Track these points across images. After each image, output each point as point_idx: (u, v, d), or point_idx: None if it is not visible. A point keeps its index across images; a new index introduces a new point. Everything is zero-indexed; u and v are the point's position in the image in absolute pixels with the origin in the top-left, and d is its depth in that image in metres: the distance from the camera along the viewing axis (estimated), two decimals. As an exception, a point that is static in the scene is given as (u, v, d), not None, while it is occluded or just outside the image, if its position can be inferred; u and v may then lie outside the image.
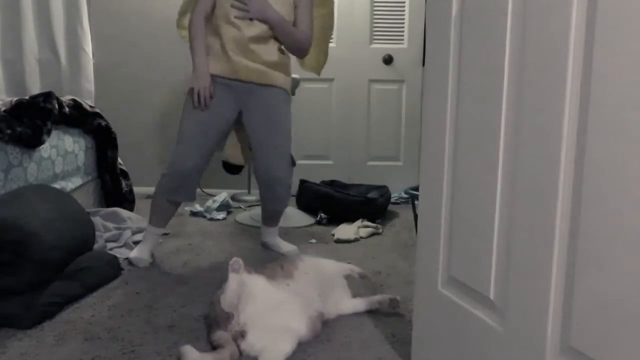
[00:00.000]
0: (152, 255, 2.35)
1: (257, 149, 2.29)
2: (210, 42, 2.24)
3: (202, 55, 2.20)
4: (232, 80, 2.23)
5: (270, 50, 2.26)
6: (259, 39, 2.22)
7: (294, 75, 3.22)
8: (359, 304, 1.81)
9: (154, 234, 2.33)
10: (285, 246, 2.51)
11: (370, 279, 1.90)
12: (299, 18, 2.31)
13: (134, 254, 2.29)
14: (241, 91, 2.26)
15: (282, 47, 2.31)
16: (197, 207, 3.31)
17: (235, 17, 2.19)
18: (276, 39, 2.27)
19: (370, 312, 1.80)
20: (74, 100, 2.81)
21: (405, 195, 3.08)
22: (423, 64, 1.71)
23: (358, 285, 1.93)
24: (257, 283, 1.56)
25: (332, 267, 1.84)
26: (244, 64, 2.22)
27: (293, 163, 2.37)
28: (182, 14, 2.54)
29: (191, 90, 2.23)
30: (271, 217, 2.52)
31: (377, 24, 3.86)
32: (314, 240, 2.75)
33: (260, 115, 2.27)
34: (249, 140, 2.34)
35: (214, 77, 2.22)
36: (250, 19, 2.19)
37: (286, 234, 2.80)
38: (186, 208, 3.42)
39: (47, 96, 2.50)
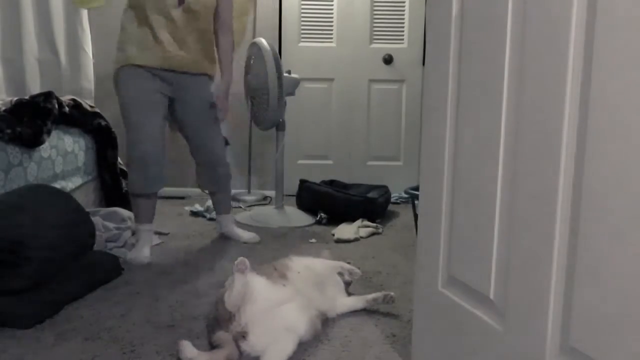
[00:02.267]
0: (151, 253, 2.36)
1: (196, 135, 2.42)
2: (138, 32, 2.26)
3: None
4: (164, 70, 2.29)
5: (200, 39, 2.34)
6: (191, 30, 2.29)
7: (293, 75, 3.23)
8: (355, 302, 1.81)
9: (144, 230, 2.39)
10: (246, 235, 2.60)
11: (361, 275, 1.89)
12: (221, 15, 2.40)
13: (130, 255, 2.32)
14: (172, 80, 2.32)
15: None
16: (197, 207, 3.31)
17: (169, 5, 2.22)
18: (204, 29, 2.35)
19: (370, 312, 1.80)
20: (74, 100, 2.82)
21: (405, 195, 3.08)
22: (423, 64, 1.71)
23: (357, 285, 1.93)
24: (258, 283, 1.57)
25: (323, 266, 1.84)
26: (179, 54, 2.28)
27: (227, 143, 2.55)
28: None
29: (119, 74, 2.30)
30: (221, 201, 2.65)
31: (377, 24, 3.87)
32: (314, 240, 2.75)
33: (194, 103, 2.38)
34: (183, 127, 2.43)
35: (142, 67, 2.26)
36: (180, 6, 2.24)
37: (286, 234, 2.80)
38: (186, 208, 3.42)
39: (47, 96, 2.50)
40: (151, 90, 2.27)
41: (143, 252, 2.31)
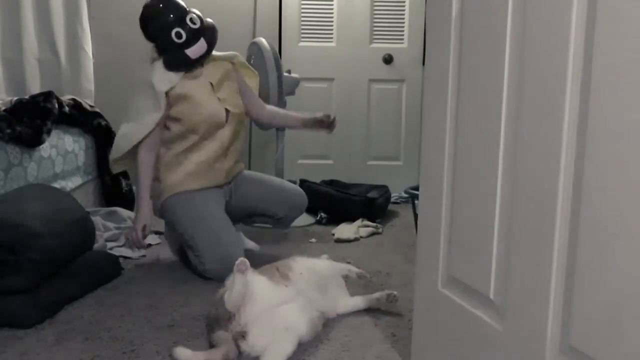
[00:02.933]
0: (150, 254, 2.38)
1: (276, 196, 2.38)
2: (179, 160, 2.21)
3: (145, 193, 2.19)
4: (213, 187, 2.27)
5: (238, 148, 2.38)
6: (234, 137, 2.31)
7: (294, 74, 3.23)
8: (357, 302, 1.81)
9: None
10: (249, 243, 2.55)
11: (369, 279, 1.90)
12: (252, 101, 2.43)
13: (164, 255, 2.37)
14: (223, 188, 2.33)
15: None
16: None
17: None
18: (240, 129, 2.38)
19: (370, 312, 1.80)
20: (74, 99, 2.82)
21: (405, 195, 3.08)
22: (423, 64, 1.71)
23: (358, 285, 1.93)
24: (258, 284, 1.57)
25: (327, 267, 1.84)
26: (227, 165, 2.30)
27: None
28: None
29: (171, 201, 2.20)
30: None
31: (377, 24, 3.86)
32: (314, 240, 2.75)
33: (254, 186, 2.39)
34: (254, 207, 2.40)
35: (193, 191, 2.20)
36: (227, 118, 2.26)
37: (286, 234, 2.80)
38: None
39: (47, 96, 2.50)
40: (206, 197, 2.22)
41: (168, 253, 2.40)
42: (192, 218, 2.14)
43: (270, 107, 2.54)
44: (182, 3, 2.19)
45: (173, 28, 2.12)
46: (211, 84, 2.24)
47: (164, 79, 2.15)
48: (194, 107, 2.17)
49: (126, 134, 2.16)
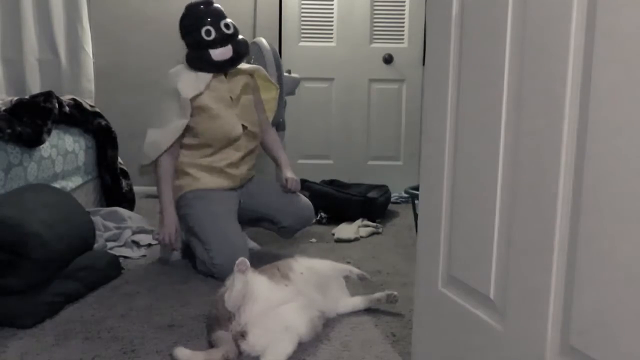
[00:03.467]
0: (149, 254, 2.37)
1: (284, 208, 2.36)
2: (195, 163, 2.26)
3: (170, 201, 2.22)
4: (229, 189, 2.30)
5: (254, 155, 2.42)
6: (248, 150, 2.34)
7: (293, 74, 3.22)
8: (358, 302, 1.81)
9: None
10: (250, 242, 2.55)
11: (370, 280, 1.90)
12: (260, 117, 2.43)
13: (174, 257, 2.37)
14: (238, 190, 2.35)
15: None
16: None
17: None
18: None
19: (370, 312, 1.80)
20: (74, 99, 2.81)
21: (406, 195, 3.08)
22: (423, 64, 1.71)
23: (358, 285, 1.93)
24: (259, 283, 1.57)
25: (328, 268, 1.84)
26: (240, 171, 2.32)
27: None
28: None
29: (186, 197, 2.25)
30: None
31: (377, 24, 3.86)
32: (314, 240, 2.75)
33: (265, 192, 2.40)
34: (261, 212, 2.39)
35: (209, 189, 2.25)
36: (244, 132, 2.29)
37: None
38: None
39: (48, 95, 2.50)
40: (220, 197, 2.26)
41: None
42: (208, 213, 2.18)
43: (272, 134, 2.54)
44: (222, 10, 2.27)
45: (205, 25, 2.19)
46: (231, 98, 2.27)
47: (189, 85, 2.18)
48: (212, 120, 2.22)
49: (154, 141, 2.21)
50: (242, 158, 2.32)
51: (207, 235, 2.15)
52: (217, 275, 2.05)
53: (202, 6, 2.24)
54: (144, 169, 2.33)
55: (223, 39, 2.20)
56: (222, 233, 2.14)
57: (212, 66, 2.22)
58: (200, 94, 2.19)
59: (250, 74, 2.39)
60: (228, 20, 2.25)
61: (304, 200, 2.45)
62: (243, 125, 2.28)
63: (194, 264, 2.23)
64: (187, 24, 2.25)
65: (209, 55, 2.19)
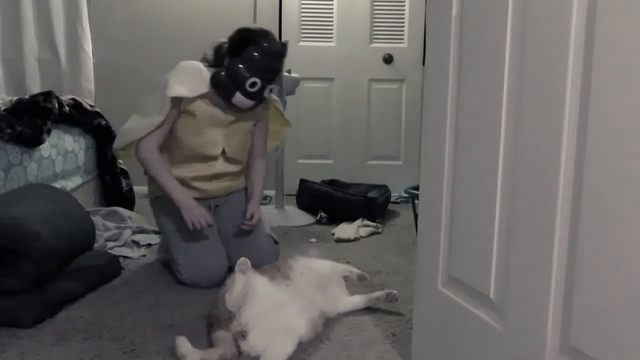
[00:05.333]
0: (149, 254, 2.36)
1: (238, 245, 2.15)
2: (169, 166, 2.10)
3: (173, 182, 2.05)
4: (199, 199, 2.12)
5: (236, 175, 2.24)
6: (228, 172, 2.18)
7: (294, 74, 3.22)
8: (357, 301, 1.81)
9: None
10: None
11: (369, 280, 1.90)
12: (256, 142, 2.27)
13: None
14: (210, 203, 2.22)
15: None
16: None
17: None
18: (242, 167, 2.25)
19: (370, 312, 1.80)
20: (74, 99, 2.82)
21: (406, 195, 3.07)
22: (423, 63, 1.71)
23: (358, 285, 1.93)
24: (259, 283, 1.57)
25: (328, 268, 1.84)
26: (214, 187, 2.17)
27: (276, 242, 2.26)
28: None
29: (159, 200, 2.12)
30: None
31: (377, 23, 3.86)
32: (314, 240, 2.75)
33: (232, 219, 2.19)
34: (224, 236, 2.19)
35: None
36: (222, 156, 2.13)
37: (286, 234, 2.80)
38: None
39: (47, 95, 2.50)
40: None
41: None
42: (175, 224, 2.06)
43: (259, 164, 2.29)
44: (281, 69, 2.13)
45: (259, 76, 1.99)
46: (224, 117, 2.10)
47: (185, 83, 2.00)
48: (193, 132, 2.06)
49: (128, 129, 2.06)
50: (215, 176, 2.15)
51: (173, 249, 2.07)
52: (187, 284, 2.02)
53: (275, 53, 2.03)
54: (119, 151, 2.16)
55: (256, 97, 2.04)
56: (189, 244, 2.04)
57: (222, 96, 2.03)
58: (194, 99, 2.02)
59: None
60: (274, 86, 2.10)
61: (265, 243, 2.21)
62: (223, 149, 2.12)
63: (174, 275, 2.10)
64: (247, 52, 1.99)
65: (233, 94, 2.00)
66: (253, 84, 1.99)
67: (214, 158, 2.12)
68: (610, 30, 0.81)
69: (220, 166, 2.14)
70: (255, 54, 1.98)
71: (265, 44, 2.00)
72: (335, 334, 1.65)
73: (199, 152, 2.09)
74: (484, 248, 1.11)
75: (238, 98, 2.01)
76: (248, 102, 2.03)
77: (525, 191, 0.99)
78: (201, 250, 2.05)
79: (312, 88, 3.84)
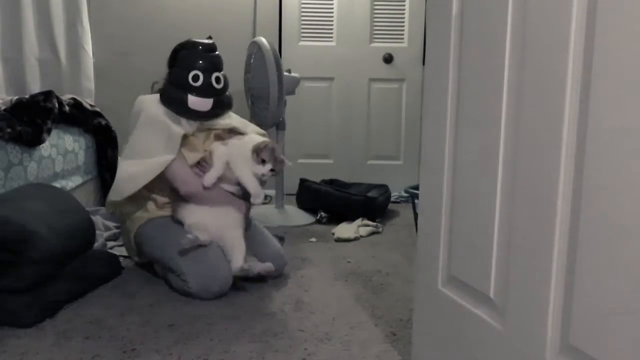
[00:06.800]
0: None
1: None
2: (148, 195, 2.09)
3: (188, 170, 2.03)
4: None
5: None
6: None
7: (294, 74, 3.22)
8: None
9: None
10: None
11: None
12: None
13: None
14: None
15: None
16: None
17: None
18: None
19: (370, 312, 1.80)
20: (74, 99, 2.81)
21: (405, 194, 3.08)
22: (423, 63, 1.71)
23: (357, 285, 1.93)
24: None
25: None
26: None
27: (282, 239, 2.24)
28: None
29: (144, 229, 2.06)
30: None
31: (377, 23, 3.86)
32: (314, 239, 2.75)
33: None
34: None
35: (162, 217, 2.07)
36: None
37: (286, 233, 2.80)
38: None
39: (47, 95, 2.50)
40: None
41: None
42: (172, 239, 1.94)
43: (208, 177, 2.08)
44: (221, 61, 2.14)
45: (196, 69, 2.05)
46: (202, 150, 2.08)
47: (180, 123, 2.05)
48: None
49: (132, 175, 2.01)
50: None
51: (177, 261, 1.93)
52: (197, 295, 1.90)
53: (202, 47, 2.11)
54: (111, 206, 2.12)
55: (207, 91, 2.06)
56: (194, 254, 1.93)
57: (183, 111, 2.06)
58: (192, 134, 2.06)
59: (229, 129, 2.16)
60: (221, 74, 2.12)
61: (270, 239, 2.16)
62: None
63: (170, 284, 2.01)
64: (179, 57, 2.10)
65: (186, 99, 2.04)
66: (195, 77, 2.05)
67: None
68: (610, 28, 0.81)
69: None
70: (185, 52, 2.10)
71: (192, 44, 2.11)
72: (335, 333, 1.65)
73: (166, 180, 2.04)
74: (484, 247, 1.11)
75: (192, 100, 2.05)
76: (205, 101, 2.06)
77: (525, 190, 0.99)
78: (207, 256, 1.94)
79: (312, 88, 3.84)
